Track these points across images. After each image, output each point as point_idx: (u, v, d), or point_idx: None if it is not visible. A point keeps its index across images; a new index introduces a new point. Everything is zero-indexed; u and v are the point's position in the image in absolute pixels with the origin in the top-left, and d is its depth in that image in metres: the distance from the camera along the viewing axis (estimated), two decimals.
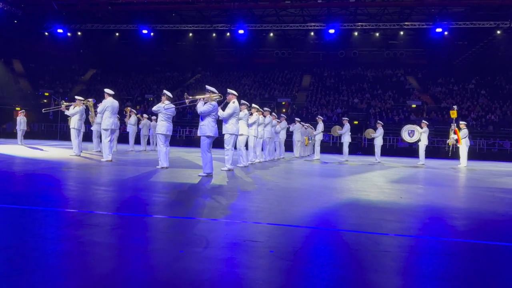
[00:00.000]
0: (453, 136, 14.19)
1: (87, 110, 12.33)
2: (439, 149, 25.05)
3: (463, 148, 14.39)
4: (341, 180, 7.80)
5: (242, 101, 9.77)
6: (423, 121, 15.49)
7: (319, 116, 16.85)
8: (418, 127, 15.07)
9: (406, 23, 28.42)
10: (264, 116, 11.98)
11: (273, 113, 13.08)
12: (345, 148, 15.54)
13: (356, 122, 27.84)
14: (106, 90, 10.27)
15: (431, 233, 3.62)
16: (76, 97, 12.28)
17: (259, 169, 9.43)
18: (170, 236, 3.03)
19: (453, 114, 14.13)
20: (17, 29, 29.61)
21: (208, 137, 7.36)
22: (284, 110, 29.86)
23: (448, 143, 14.83)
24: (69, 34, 31.63)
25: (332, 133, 17.80)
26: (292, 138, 16.79)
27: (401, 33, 31.76)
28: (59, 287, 1.99)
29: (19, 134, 17.43)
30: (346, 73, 37.20)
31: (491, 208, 5.13)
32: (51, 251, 2.54)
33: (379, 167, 12.44)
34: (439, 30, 27.00)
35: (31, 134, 25.89)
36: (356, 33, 31.72)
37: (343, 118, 16.33)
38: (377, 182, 7.67)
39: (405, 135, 15.21)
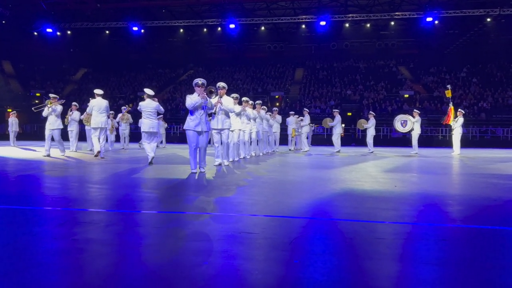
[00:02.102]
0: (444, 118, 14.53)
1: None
2: (432, 138, 25.19)
3: (456, 136, 14.50)
4: (335, 171, 7.82)
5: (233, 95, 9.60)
6: (415, 110, 15.54)
7: (305, 109, 17.01)
8: (410, 117, 15.13)
9: (396, 13, 28.41)
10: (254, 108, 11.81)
11: (264, 106, 13.02)
12: (337, 140, 15.62)
13: (349, 114, 27.91)
14: (96, 91, 10.52)
15: (425, 219, 3.64)
16: (50, 95, 11.57)
17: (253, 163, 9.43)
18: (165, 231, 3.02)
19: (448, 93, 14.70)
20: (5, 30, 29.24)
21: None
22: (277, 104, 29.85)
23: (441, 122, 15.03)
24: (58, 33, 31.28)
25: (323, 125, 17.95)
26: (288, 132, 16.83)
27: (392, 23, 31.77)
28: (54, 285, 1.98)
29: (11, 135, 17.29)
30: (338, 65, 37.19)
31: (485, 193, 5.17)
32: (45, 249, 2.52)
33: (373, 157, 12.48)
34: (429, 19, 27.05)
35: (24, 135, 25.67)
36: (347, 25, 31.67)
37: (334, 110, 16.42)
38: (371, 172, 7.70)
39: (398, 126, 15.24)
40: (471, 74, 33.00)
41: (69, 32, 32.21)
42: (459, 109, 14.82)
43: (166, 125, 20.13)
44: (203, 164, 7.16)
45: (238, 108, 9.43)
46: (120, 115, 15.79)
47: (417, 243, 2.83)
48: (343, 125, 19.40)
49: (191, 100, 6.89)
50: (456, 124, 14.39)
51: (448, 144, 15.41)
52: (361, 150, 16.85)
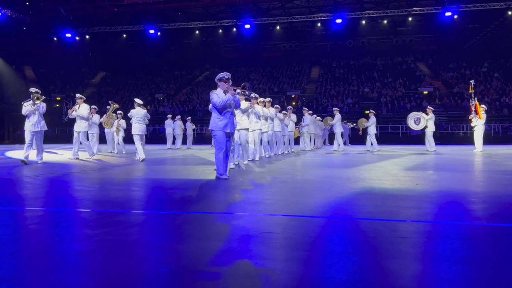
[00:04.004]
0: (472, 114, 14.26)
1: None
2: (453, 135, 24.71)
3: (478, 132, 14.21)
4: (353, 170, 7.74)
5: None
6: (429, 107, 15.38)
7: (304, 108, 17.06)
8: (423, 114, 14.98)
9: (414, 8, 28.00)
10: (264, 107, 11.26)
11: (277, 105, 12.87)
12: (338, 138, 15.73)
13: (367, 112, 27.59)
14: (79, 95, 11.70)
15: (449, 218, 3.57)
16: (32, 89, 9.47)
17: (270, 163, 9.42)
18: (186, 231, 3.04)
19: (470, 89, 14.62)
20: (26, 36, 29.97)
21: None
22: (294, 103, 29.75)
23: (469, 119, 14.80)
24: (77, 38, 31.94)
25: (324, 124, 18.21)
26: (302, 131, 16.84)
27: (410, 19, 31.30)
28: (79, 285, 2.01)
29: None
30: (355, 62, 36.85)
31: (510, 190, 5.04)
32: (69, 250, 2.57)
33: (391, 155, 12.32)
34: (448, 14, 26.56)
35: (45, 139, 26.01)
36: (363, 22, 31.38)
37: (334, 109, 16.50)
38: (390, 170, 7.60)
39: (411, 123, 15.15)
40: (492, 69, 32.24)
41: (87, 36, 32.82)
42: (481, 105, 14.52)
43: (193, 126, 20.41)
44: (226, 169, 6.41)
45: (244, 105, 8.58)
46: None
47: (441, 242, 2.77)
48: (354, 124, 19.31)
49: (218, 97, 6.02)
50: (478, 121, 14.11)
51: (469, 141, 15.10)
52: (369, 148, 16.59)
